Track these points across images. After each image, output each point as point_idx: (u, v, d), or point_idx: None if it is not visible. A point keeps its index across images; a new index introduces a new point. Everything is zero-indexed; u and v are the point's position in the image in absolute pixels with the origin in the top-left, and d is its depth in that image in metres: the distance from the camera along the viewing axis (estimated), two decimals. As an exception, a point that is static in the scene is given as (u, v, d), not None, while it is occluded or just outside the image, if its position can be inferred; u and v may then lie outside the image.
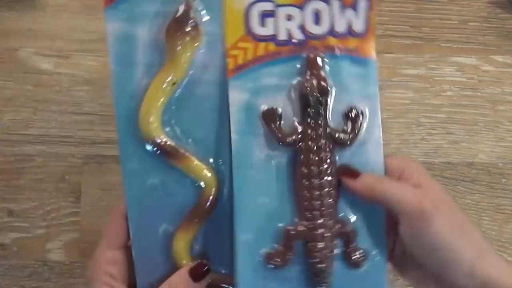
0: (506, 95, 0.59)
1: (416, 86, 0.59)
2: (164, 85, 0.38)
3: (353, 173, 0.37)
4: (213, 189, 0.38)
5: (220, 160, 0.39)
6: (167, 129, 0.38)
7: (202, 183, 0.38)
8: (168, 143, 0.38)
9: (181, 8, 0.38)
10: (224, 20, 0.37)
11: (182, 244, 0.38)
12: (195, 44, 0.38)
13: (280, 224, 0.37)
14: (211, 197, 0.38)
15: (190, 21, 0.38)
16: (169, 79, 0.38)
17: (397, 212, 0.35)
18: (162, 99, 0.38)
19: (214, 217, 0.39)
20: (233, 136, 0.37)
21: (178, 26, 0.37)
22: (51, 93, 0.58)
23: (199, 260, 0.37)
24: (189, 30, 0.38)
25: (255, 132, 0.38)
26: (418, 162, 0.38)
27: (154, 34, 0.38)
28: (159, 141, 0.38)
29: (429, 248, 0.34)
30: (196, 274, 0.36)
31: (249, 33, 0.38)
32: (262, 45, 0.38)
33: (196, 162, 0.38)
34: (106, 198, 0.57)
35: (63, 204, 0.57)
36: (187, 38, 0.38)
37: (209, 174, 0.38)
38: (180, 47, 0.37)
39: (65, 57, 0.59)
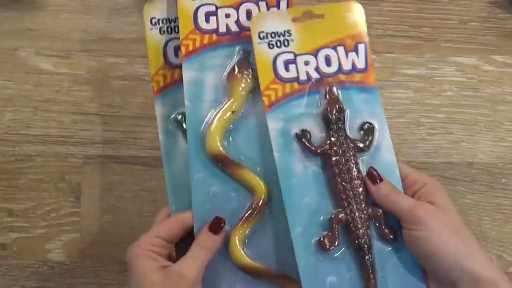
0: (506, 95, 0.59)
1: (416, 86, 0.59)
2: (227, 114, 0.50)
3: (375, 178, 0.46)
4: (263, 195, 0.48)
5: (263, 173, 0.50)
6: (227, 147, 0.50)
7: (254, 190, 0.49)
8: (228, 157, 0.49)
9: (239, 57, 0.51)
10: (257, 69, 0.50)
11: (236, 240, 0.48)
12: (249, 85, 0.50)
13: (323, 216, 0.47)
14: (261, 202, 0.48)
15: (246, 67, 0.50)
16: (229, 109, 0.50)
17: (398, 219, 0.44)
18: (224, 125, 0.49)
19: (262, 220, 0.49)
20: (275, 154, 0.48)
21: (236, 70, 0.50)
22: (51, 93, 0.59)
23: (216, 217, 0.46)
24: (245, 74, 0.50)
25: (292, 149, 0.49)
26: (437, 181, 0.45)
27: (218, 78, 0.51)
28: (221, 155, 0.49)
29: (423, 247, 0.42)
30: (215, 229, 0.45)
31: (277, 77, 0.50)
32: (288, 85, 0.50)
33: (250, 172, 0.49)
34: (106, 198, 0.57)
35: (63, 204, 0.57)
36: (243, 80, 0.50)
37: (260, 182, 0.49)
38: (237, 87, 0.50)
39: (65, 57, 0.59)
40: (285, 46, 0.51)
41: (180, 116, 0.51)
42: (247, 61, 0.51)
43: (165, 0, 0.53)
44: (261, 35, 0.51)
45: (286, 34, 0.51)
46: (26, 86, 0.59)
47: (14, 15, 0.60)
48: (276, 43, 0.51)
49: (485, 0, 0.60)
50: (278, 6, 0.52)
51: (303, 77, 0.51)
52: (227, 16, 0.51)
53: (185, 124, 0.51)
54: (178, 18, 0.51)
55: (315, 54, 0.51)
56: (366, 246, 0.46)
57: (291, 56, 0.51)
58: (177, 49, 0.52)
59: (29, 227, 0.56)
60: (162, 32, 0.52)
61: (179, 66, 0.51)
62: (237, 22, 0.52)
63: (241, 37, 0.52)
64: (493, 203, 0.57)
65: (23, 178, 0.57)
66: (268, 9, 0.51)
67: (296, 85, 0.50)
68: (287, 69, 0.51)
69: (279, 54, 0.51)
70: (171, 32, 0.52)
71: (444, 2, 0.60)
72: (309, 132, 0.49)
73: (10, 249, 0.56)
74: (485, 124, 0.58)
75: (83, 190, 0.57)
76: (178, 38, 0.51)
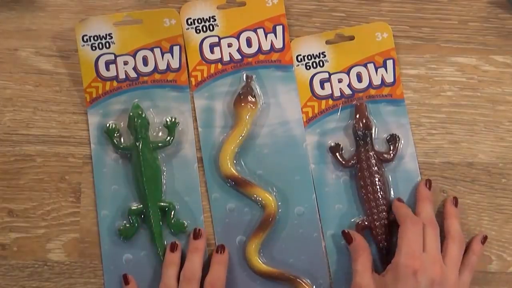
0: (506, 95, 0.59)
1: (416, 86, 0.59)
2: (235, 138, 0.55)
3: (399, 201, 0.55)
4: (273, 208, 0.54)
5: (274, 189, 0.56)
6: (238, 168, 0.55)
7: (264, 204, 0.55)
8: (240, 177, 0.55)
9: (243, 85, 0.56)
10: (297, 89, 0.56)
11: (252, 249, 0.54)
12: (254, 110, 0.55)
13: (352, 220, 0.55)
14: (272, 214, 0.54)
15: (250, 95, 0.55)
16: (238, 134, 0.55)
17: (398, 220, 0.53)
18: (234, 148, 0.55)
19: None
20: (311, 165, 0.56)
21: (242, 99, 0.55)
22: (51, 93, 0.59)
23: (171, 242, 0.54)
24: (250, 101, 0.55)
25: (326, 161, 0.56)
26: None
27: (226, 105, 0.56)
28: (233, 176, 0.54)
29: None
30: (169, 248, 0.54)
31: (314, 95, 0.56)
32: (323, 101, 0.56)
33: (260, 189, 0.55)
34: (106, 198, 0.57)
35: (63, 204, 0.57)
36: (249, 107, 0.55)
37: (270, 198, 0.55)
38: (243, 114, 0.55)
39: (65, 57, 0.59)
40: (320, 66, 0.56)
41: (111, 126, 0.56)
42: (250, 87, 0.56)
43: (95, 18, 0.57)
44: (299, 57, 0.56)
45: (321, 55, 0.56)
46: (26, 86, 0.59)
47: (14, 15, 0.60)
48: (313, 64, 0.56)
49: (485, 0, 0.60)
50: (274, 32, 0.56)
51: (337, 93, 0.56)
52: (229, 45, 0.56)
53: (116, 133, 0.55)
54: (108, 35, 0.56)
55: (347, 72, 0.56)
56: (385, 246, 0.54)
57: (326, 75, 0.56)
58: (108, 64, 0.56)
59: (29, 227, 0.56)
60: (94, 48, 0.56)
61: (110, 79, 0.56)
62: (239, 50, 0.56)
63: (243, 64, 0.56)
64: (493, 203, 0.57)
65: (23, 178, 0.57)
66: (266, 36, 0.56)
67: (330, 101, 0.56)
68: (322, 87, 0.56)
69: (315, 74, 0.56)
70: (102, 48, 0.56)
71: (444, 2, 0.60)
72: (341, 145, 0.55)
73: (10, 249, 0.56)
74: (485, 124, 0.58)
75: (83, 190, 0.57)
76: (108, 53, 0.56)
